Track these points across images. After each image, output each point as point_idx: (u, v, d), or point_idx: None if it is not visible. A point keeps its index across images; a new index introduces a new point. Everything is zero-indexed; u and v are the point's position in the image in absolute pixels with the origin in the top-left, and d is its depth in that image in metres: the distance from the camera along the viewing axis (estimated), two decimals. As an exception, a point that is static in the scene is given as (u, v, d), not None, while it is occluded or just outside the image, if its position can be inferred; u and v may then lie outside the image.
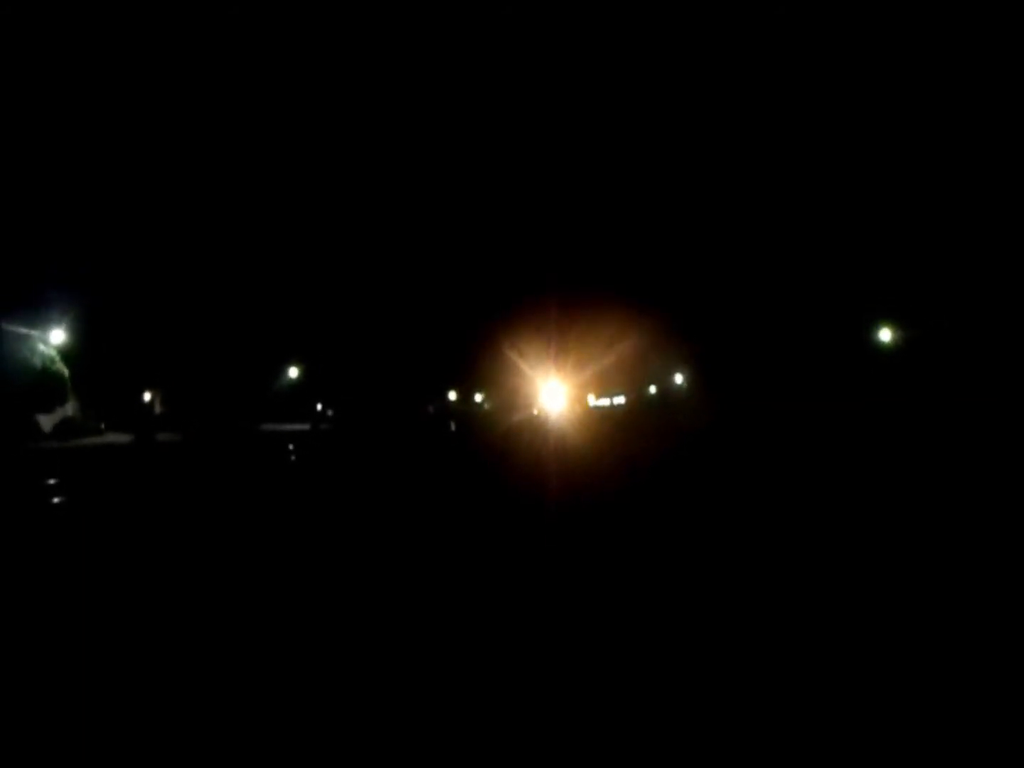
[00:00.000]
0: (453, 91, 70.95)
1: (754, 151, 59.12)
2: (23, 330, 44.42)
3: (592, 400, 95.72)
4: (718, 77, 61.26)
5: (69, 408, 50.30)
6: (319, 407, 69.92)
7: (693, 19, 59.05)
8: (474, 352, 65.19)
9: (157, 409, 60.13)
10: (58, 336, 46.59)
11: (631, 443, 31.01)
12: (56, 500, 17.02)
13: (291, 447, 38.33)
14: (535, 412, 66.54)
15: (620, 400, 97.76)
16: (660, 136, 66.69)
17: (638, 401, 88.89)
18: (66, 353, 47.01)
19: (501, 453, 27.92)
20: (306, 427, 60.64)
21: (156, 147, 55.34)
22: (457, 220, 69.76)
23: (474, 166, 75.51)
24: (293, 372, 67.95)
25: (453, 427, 62.80)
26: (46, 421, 47.19)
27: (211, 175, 58.26)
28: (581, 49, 63.14)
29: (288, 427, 60.80)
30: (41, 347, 45.44)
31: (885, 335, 51.80)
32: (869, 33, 52.04)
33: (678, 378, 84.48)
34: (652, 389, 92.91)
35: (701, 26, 56.71)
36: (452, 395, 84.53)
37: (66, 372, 46.87)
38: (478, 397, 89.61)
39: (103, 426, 52.81)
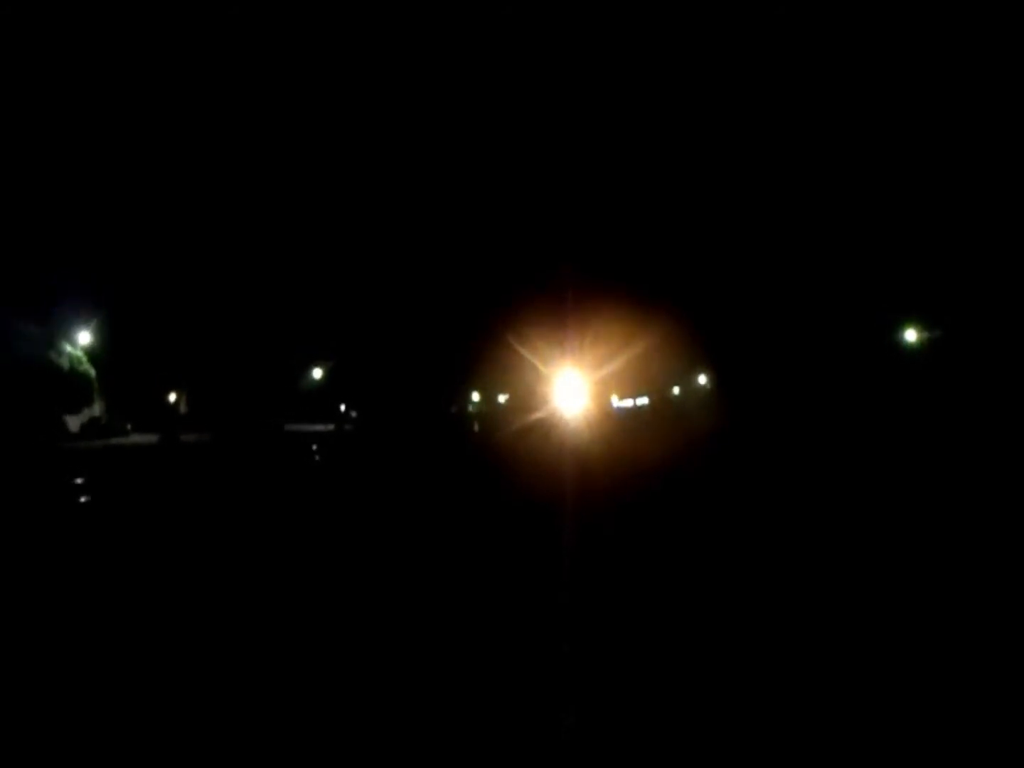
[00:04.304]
0: (469, 86, 70.86)
1: (780, 152, 58.69)
2: (51, 331, 44.82)
3: (615, 401, 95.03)
4: (740, 74, 60.90)
5: (96, 408, 50.74)
6: (343, 408, 70.08)
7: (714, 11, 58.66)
8: (495, 353, 65.10)
9: (182, 409, 60.52)
10: (85, 337, 47.00)
11: (657, 447, 30.77)
12: (83, 499, 17.23)
13: (315, 447, 38.52)
14: (547, 415, 66.24)
15: (643, 401, 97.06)
16: (690, 134, 66.26)
17: (661, 402, 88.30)
18: (93, 354, 47.40)
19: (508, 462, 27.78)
20: (330, 427, 60.84)
21: (183, 152, 55.66)
22: (479, 221, 69.62)
23: (493, 164, 75.47)
24: (317, 373, 68.16)
25: (476, 428, 62.99)
26: (73, 421, 47.63)
27: (238, 180, 58.54)
28: (596, 43, 62.78)
29: (312, 428, 61.04)
30: (68, 348, 45.87)
31: (910, 335, 51.35)
32: (884, 23, 51.51)
33: (701, 379, 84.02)
34: (676, 390, 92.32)
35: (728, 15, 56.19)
36: (475, 396, 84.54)
37: (93, 373, 47.29)
38: (501, 398, 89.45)
39: (129, 426, 53.24)
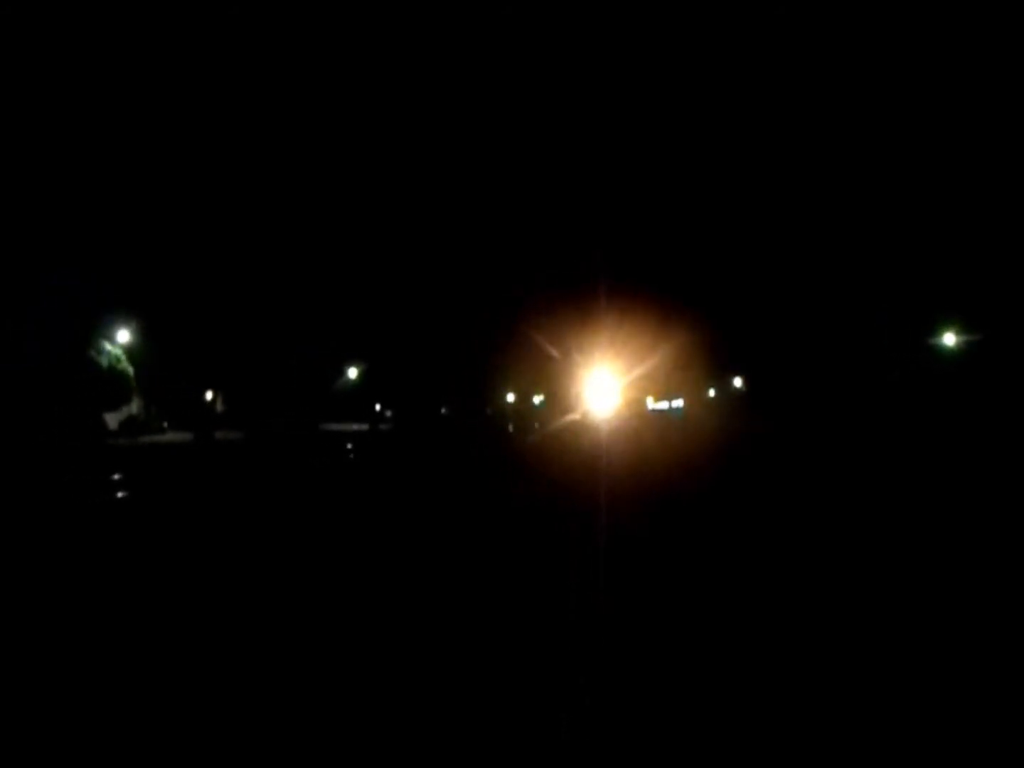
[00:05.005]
0: (501, 88, 70.77)
1: (821, 155, 58.18)
2: (90, 330, 45.30)
3: (651, 403, 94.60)
4: (776, 82, 60.43)
5: (134, 406, 51.31)
6: (378, 408, 70.36)
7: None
8: (530, 354, 65.04)
9: (219, 408, 61.04)
10: (124, 336, 47.48)
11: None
12: (121, 494, 17.38)
13: (349, 446, 38.66)
14: (582, 416, 66.00)
15: (679, 403, 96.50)
16: (729, 137, 65.92)
17: (696, 405, 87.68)
18: (131, 353, 47.89)
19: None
20: (365, 427, 61.09)
21: (219, 156, 56.06)
22: (515, 224, 69.65)
23: (530, 167, 75.41)
24: (353, 373, 68.46)
25: (511, 428, 63.07)
26: (112, 419, 48.19)
27: (274, 183, 58.92)
28: (622, 40, 62.44)
29: (347, 427, 61.32)
30: (107, 347, 46.37)
31: (948, 339, 50.62)
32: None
33: (736, 382, 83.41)
34: (711, 393, 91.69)
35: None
36: (510, 397, 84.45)
37: (131, 371, 47.77)
38: (536, 399, 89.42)
39: (166, 424, 53.81)
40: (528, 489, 17.83)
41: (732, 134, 65.47)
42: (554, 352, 61.19)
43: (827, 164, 57.15)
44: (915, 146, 52.00)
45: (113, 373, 46.37)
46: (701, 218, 66.71)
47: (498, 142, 73.47)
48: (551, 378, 73.16)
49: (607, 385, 65.16)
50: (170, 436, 49.03)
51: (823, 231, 57.25)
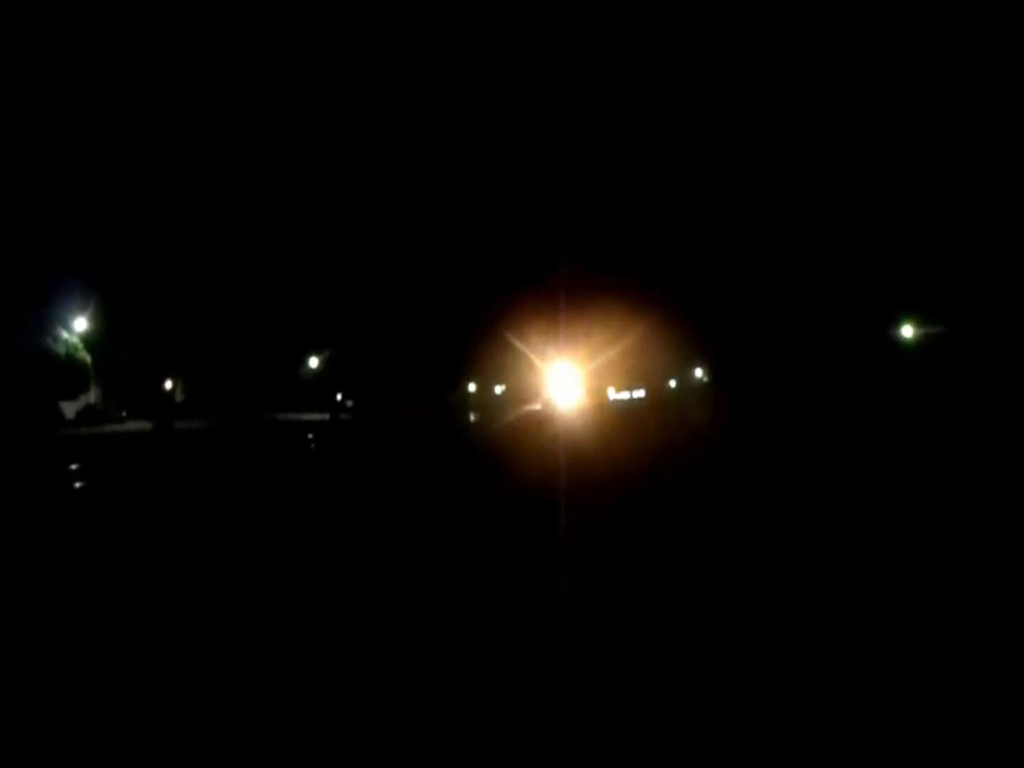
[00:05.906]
0: (464, 81, 70.75)
1: (778, 146, 58.68)
2: (47, 318, 44.70)
3: (612, 393, 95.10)
4: (736, 69, 60.82)
5: (91, 395, 50.70)
6: (339, 397, 69.98)
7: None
8: (492, 344, 65.12)
9: (178, 397, 60.48)
10: (81, 324, 46.90)
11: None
12: (78, 485, 17.25)
13: (311, 436, 38.49)
14: (543, 406, 66.14)
15: (640, 393, 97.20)
16: (688, 129, 66.28)
17: (657, 395, 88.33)
18: (89, 341, 47.31)
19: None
20: (325, 417, 60.80)
21: (178, 143, 55.46)
22: (476, 214, 69.62)
23: (491, 158, 75.30)
24: (314, 362, 68.11)
25: (472, 418, 63.15)
26: (69, 408, 47.60)
27: (235, 169, 58.36)
28: (590, 39, 62.67)
29: (308, 417, 60.98)
30: (64, 335, 45.76)
31: (907, 331, 51.37)
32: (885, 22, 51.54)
33: (697, 372, 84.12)
34: (672, 383, 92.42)
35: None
36: (472, 386, 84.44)
37: (89, 360, 47.18)
38: (498, 389, 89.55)
39: (124, 413, 53.25)
40: (489, 477, 17.91)
41: (694, 127, 65.91)
42: (516, 342, 61.36)
43: (791, 159, 57.70)
44: (883, 139, 52.72)
45: (70, 361, 45.78)
46: (666, 212, 67.12)
47: (459, 131, 73.35)
48: (513, 368, 73.30)
49: (569, 375, 65.43)
50: (129, 425, 48.52)
51: (786, 224, 57.82)
